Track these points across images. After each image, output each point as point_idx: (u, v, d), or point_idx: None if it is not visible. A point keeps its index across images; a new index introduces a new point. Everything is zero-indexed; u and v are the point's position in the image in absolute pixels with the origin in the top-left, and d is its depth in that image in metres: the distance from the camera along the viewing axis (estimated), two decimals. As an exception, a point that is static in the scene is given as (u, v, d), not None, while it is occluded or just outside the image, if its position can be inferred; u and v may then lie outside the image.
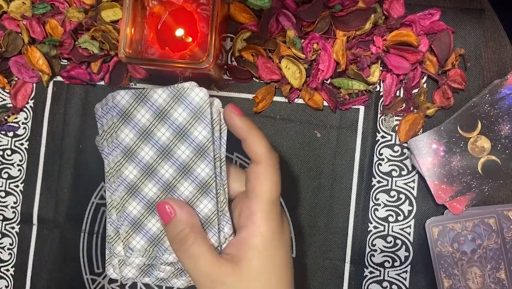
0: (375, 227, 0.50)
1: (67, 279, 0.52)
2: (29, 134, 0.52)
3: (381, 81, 0.50)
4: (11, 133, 0.52)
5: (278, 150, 0.50)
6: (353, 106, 0.50)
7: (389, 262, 0.49)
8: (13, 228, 0.52)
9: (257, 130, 0.37)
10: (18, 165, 0.52)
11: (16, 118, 0.52)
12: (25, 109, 0.52)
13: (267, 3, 0.48)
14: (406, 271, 0.49)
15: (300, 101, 0.50)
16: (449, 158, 0.48)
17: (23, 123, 0.52)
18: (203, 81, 0.51)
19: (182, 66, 0.44)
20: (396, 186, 0.50)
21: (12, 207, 0.52)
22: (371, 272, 0.50)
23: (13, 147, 0.52)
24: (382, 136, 0.50)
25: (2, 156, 0.52)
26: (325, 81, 0.50)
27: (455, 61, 0.49)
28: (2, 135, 0.53)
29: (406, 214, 0.49)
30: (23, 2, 0.50)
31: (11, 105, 0.52)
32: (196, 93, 0.37)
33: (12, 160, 0.52)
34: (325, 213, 0.50)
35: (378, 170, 0.50)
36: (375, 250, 0.50)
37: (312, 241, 0.50)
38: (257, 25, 0.49)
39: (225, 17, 0.50)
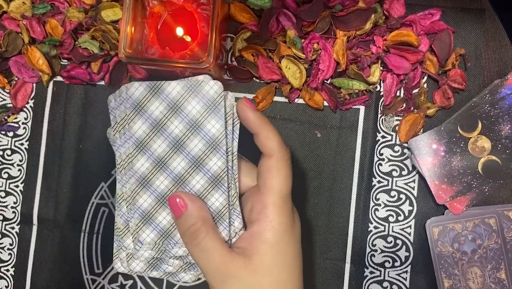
0: (375, 227, 0.50)
1: (67, 279, 0.51)
2: (29, 134, 0.52)
3: (382, 81, 0.50)
4: (11, 133, 0.52)
5: (278, 150, 0.50)
6: (354, 106, 0.50)
7: (389, 262, 0.49)
8: (13, 228, 0.52)
9: (269, 125, 0.38)
10: (18, 165, 0.52)
11: (16, 118, 0.52)
12: (25, 109, 0.52)
13: (268, 3, 0.48)
14: (406, 271, 0.49)
15: (301, 101, 0.50)
16: (449, 158, 0.48)
17: (23, 123, 0.52)
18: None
19: (182, 66, 0.44)
20: (396, 186, 0.50)
21: (12, 207, 0.52)
22: (371, 272, 0.50)
23: (13, 147, 0.52)
24: (383, 136, 0.50)
25: (2, 156, 0.52)
26: (325, 81, 0.50)
27: (456, 61, 0.49)
28: (2, 135, 0.52)
29: (407, 214, 0.49)
30: (23, 2, 0.50)
31: (11, 105, 0.52)
32: (211, 86, 0.37)
33: (12, 160, 0.52)
34: (325, 213, 0.50)
35: (379, 170, 0.50)
36: (376, 250, 0.50)
37: (312, 241, 0.50)
38: (258, 25, 0.49)
39: (225, 17, 0.50)
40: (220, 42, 0.48)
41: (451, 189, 0.48)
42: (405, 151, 0.50)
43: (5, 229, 0.52)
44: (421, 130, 0.49)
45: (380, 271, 0.49)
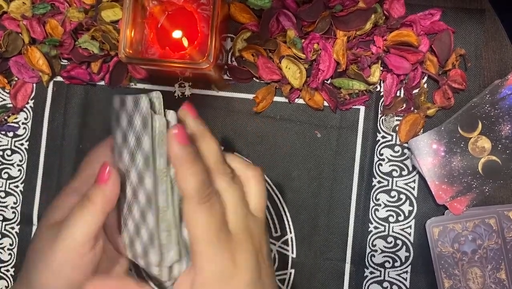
0: (375, 227, 0.50)
1: (67, 280, 0.51)
2: (29, 134, 0.52)
3: (382, 82, 0.50)
4: (11, 134, 0.52)
5: (278, 150, 0.50)
6: (354, 107, 0.50)
7: (389, 262, 0.49)
8: (13, 228, 0.52)
9: (208, 138, 0.35)
10: (18, 165, 0.52)
11: (16, 118, 0.52)
12: (25, 109, 0.52)
13: (268, 3, 0.48)
14: (406, 272, 0.49)
15: (301, 101, 0.50)
16: (449, 158, 0.48)
17: (23, 123, 0.52)
18: (203, 82, 0.51)
19: (182, 67, 0.44)
20: (396, 186, 0.50)
21: (12, 207, 0.52)
22: (371, 273, 0.50)
23: (13, 147, 0.52)
24: (383, 137, 0.50)
25: (2, 156, 0.52)
26: (325, 81, 0.50)
27: (456, 61, 0.48)
28: (2, 136, 0.52)
29: (407, 214, 0.49)
30: (23, 2, 0.50)
31: (11, 105, 0.52)
32: (143, 101, 0.34)
33: (12, 160, 0.52)
34: (325, 213, 0.50)
35: (379, 170, 0.50)
36: (376, 250, 0.50)
37: (312, 241, 0.50)
38: (258, 25, 0.49)
39: (226, 17, 0.50)
40: (220, 43, 0.48)
41: (451, 189, 0.48)
42: (405, 151, 0.50)
43: (5, 229, 0.52)
44: (421, 131, 0.49)
45: (380, 271, 0.49)
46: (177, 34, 0.47)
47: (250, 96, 0.51)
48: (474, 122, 0.48)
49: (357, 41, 0.48)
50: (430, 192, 0.48)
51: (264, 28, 0.48)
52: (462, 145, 0.48)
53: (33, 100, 0.52)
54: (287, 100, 0.50)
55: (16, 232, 0.52)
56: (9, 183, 0.52)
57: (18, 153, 0.52)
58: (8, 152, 0.52)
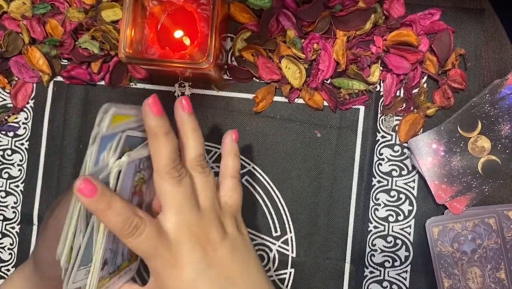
0: (375, 227, 0.50)
1: (68, 279, 0.52)
2: (29, 134, 0.52)
3: (381, 81, 0.50)
4: (11, 134, 0.52)
5: (278, 150, 0.51)
6: (353, 106, 0.50)
7: (389, 262, 0.49)
8: (13, 228, 0.52)
9: (194, 132, 0.36)
10: (18, 165, 0.52)
11: (16, 118, 0.52)
12: (25, 109, 0.52)
13: (267, 3, 0.48)
14: (406, 271, 0.49)
15: (300, 101, 0.50)
16: (449, 157, 0.48)
17: (23, 123, 0.52)
18: (203, 81, 0.51)
19: (182, 66, 0.44)
20: (396, 185, 0.50)
21: (12, 207, 0.52)
22: (371, 272, 0.50)
23: (13, 147, 0.52)
24: (382, 136, 0.50)
25: (3, 156, 0.52)
26: (325, 81, 0.50)
27: (455, 61, 0.49)
28: (2, 136, 0.53)
29: (406, 214, 0.49)
30: (23, 2, 0.50)
31: (11, 105, 0.52)
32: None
33: (12, 160, 0.52)
34: (325, 213, 0.50)
35: (378, 169, 0.50)
36: (375, 250, 0.50)
37: (312, 241, 0.50)
38: (257, 25, 0.49)
39: (225, 17, 0.50)
40: (220, 42, 0.48)
41: (451, 188, 0.48)
42: (405, 150, 0.50)
43: (5, 229, 0.52)
44: (421, 130, 0.49)
45: (380, 270, 0.49)
46: (178, 34, 0.47)
47: (250, 96, 0.51)
48: (474, 122, 0.48)
49: (356, 41, 0.48)
50: (430, 192, 0.48)
51: (264, 28, 0.48)
52: (461, 145, 0.48)
53: (33, 100, 0.52)
54: (287, 100, 0.50)
55: (16, 231, 0.52)
56: (10, 183, 0.52)
57: (19, 152, 0.52)
58: (9, 152, 0.52)
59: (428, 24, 0.48)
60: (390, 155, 0.50)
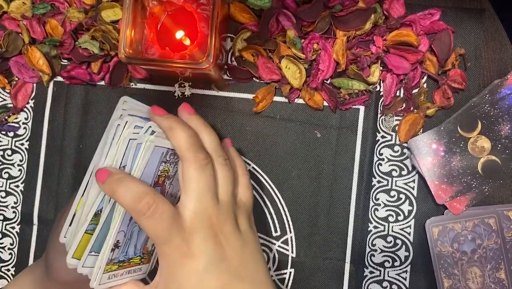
0: (375, 227, 0.50)
1: (68, 279, 0.52)
2: (29, 134, 0.52)
3: (381, 81, 0.50)
4: (11, 134, 0.52)
5: (278, 150, 0.51)
6: (353, 106, 0.50)
7: (389, 262, 0.49)
8: (13, 228, 0.52)
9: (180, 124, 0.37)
10: (18, 165, 0.52)
11: (16, 118, 0.52)
12: (25, 109, 0.52)
13: (267, 3, 0.48)
14: (406, 271, 0.49)
15: (300, 101, 0.50)
16: (449, 158, 0.48)
17: (23, 123, 0.52)
18: (203, 82, 0.51)
19: (182, 67, 0.44)
20: (396, 186, 0.50)
21: (12, 207, 0.52)
22: (371, 272, 0.50)
23: (13, 147, 0.52)
24: (382, 136, 0.50)
25: (3, 156, 0.52)
26: (325, 81, 0.50)
27: (455, 61, 0.49)
28: (2, 136, 0.53)
29: (406, 214, 0.49)
30: (23, 2, 0.50)
31: (11, 105, 0.52)
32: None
33: (12, 160, 0.52)
34: (325, 213, 0.50)
35: (378, 169, 0.50)
36: (375, 250, 0.50)
37: (312, 241, 0.50)
38: (257, 25, 0.49)
39: (225, 17, 0.50)
40: (220, 43, 0.48)
41: (450, 189, 0.48)
42: (405, 150, 0.50)
43: (5, 229, 0.52)
44: (421, 130, 0.49)
45: (380, 271, 0.50)
46: (178, 34, 0.47)
47: (250, 96, 0.51)
48: (474, 122, 0.48)
49: (356, 41, 0.48)
50: (430, 192, 0.48)
51: (264, 28, 0.48)
52: (461, 145, 0.48)
53: (33, 100, 0.52)
54: (287, 100, 0.50)
55: (16, 231, 0.52)
56: (10, 183, 0.52)
57: (19, 152, 0.52)
58: (9, 152, 0.52)
59: (428, 24, 0.48)
60: (390, 155, 0.50)
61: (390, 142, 0.50)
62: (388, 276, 0.49)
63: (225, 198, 0.36)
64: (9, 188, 0.52)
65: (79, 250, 0.36)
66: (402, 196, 0.50)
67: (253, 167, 0.51)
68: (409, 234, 0.49)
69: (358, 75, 0.48)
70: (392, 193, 0.50)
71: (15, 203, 0.52)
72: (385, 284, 0.49)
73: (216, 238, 0.35)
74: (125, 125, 0.37)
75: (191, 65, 0.44)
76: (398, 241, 0.49)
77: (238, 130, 0.51)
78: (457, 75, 0.48)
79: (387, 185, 0.50)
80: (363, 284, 0.50)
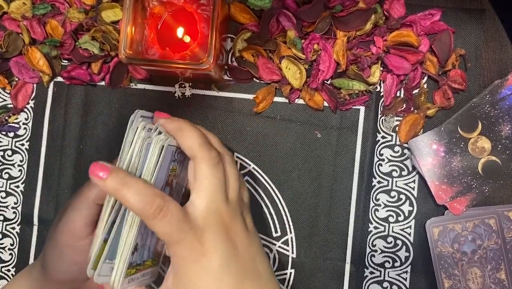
0: (375, 228, 0.50)
1: (68, 279, 0.52)
2: (29, 134, 0.52)
3: (382, 82, 0.50)
4: (11, 134, 0.52)
5: (278, 150, 0.51)
6: (354, 107, 0.50)
7: (389, 263, 0.49)
8: (13, 228, 0.52)
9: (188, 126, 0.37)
10: (18, 166, 0.52)
11: (16, 118, 0.52)
12: (25, 109, 0.52)
13: (268, 4, 0.48)
14: (406, 272, 0.49)
15: (301, 101, 0.50)
16: (449, 158, 0.48)
17: (23, 123, 0.52)
18: (203, 82, 0.51)
19: (182, 67, 0.44)
20: (396, 186, 0.50)
21: (12, 208, 0.52)
22: (371, 273, 0.50)
23: (13, 147, 0.52)
24: (383, 137, 0.50)
25: (3, 156, 0.52)
26: (325, 81, 0.50)
27: (456, 61, 0.49)
28: (2, 136, 0.53)
29: (407, 215, 0.49)
30: (23, 3, 0.50)
31: (11, 105, 0.52)
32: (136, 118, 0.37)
33: (12, 160, 0.52)
34: (325, 213, 0.50)
35: (379, 170, 0.50)
36: (376, 251, 0.50)
37: (312, 241, 0.50)
38: (258, 25, 0.49)
39: (226, 18, 0.50)
40: (220, 43, 0.48)
41: (451, 189, 0.48)
42: (405, 151, 0.50)
43: (5, 229, 0.52)
44: (421, 131, 0.49)
45: (380, 271, 0.50)
46: (178, 34, 0.47)
47: (250, 96, 0.51)
48: (474, 123, 0.48)
49: (357, 41, 0.48)
50: (430, 192, 0.48)
51: (264, 29, 0.48)
52: (462, 145, 0.48)
53: (33, 101, 0.52)
54: (287, 101, 0.50)
55: (16, 232, 0.52)
56: (10, 183, 0.52)
57: (19, 153, 0.52)
58: (9, 152, 0.52)
59: (429, 25, 0.48)
60: (390, 155, 0.50)
61: (391, 143, 0.50)
62: (389, 276, 0.49)
63: (233, 195, 0.36)
64: (9, 188, 0.52)
65: (97, 260, 0.35)
66: (402, 196, 0.50)
67: (253, 167, 0.51)
68: (409, 234, 0.49)
69: (359, 76, 0.48)
70: (393, 193, 0.50)
71: (15, 203, 0.52)
72: (385, 284, 0.49)
73: (228, 235, 0.35)
74: (136, 129, 0.36)
75: (192, 66, 0.44)
76: (399, 242, 0.49)
77: (239, 131, 0.51)
78: (457, 76, 0.48)
79: (388, 185, 0.50)
80: (364, 285, 0.50)
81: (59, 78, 0.52)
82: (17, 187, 0.52)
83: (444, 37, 0.48)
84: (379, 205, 0.50)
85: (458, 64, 0.49)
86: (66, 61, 0.52)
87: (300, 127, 0.50)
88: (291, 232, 0.50)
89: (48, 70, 0.50)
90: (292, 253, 0.50)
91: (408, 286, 0.49)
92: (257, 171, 0.51)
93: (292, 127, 0.50)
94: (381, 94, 0.50)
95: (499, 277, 0.48)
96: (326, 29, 0.48)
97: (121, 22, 0.46)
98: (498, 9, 0.50)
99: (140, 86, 0.52)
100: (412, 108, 0.49)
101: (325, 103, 0.50)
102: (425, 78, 0.49)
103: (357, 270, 0.50)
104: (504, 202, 0.49)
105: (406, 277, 0.49)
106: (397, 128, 0.50)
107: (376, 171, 0.50)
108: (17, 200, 0.52)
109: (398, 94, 0.50)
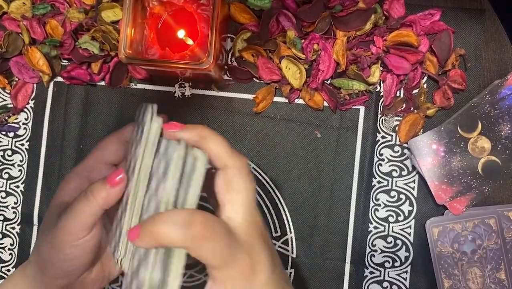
0: (375, 227, 0.50)
1: (68, 279, 0.52)
2: (29, 134, 0.52)
3: (381, 82, 0.50)
4: (11, 134, 0.52)
5: (278, 150, 0.51)
6: (353, 107, 0.50)
7: (389, 262, 0.49)
8: (13, 228, 0.52)
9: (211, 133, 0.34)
10: (18, 165, 0.52)
11: (16, 118, 0.52)
12: (25, 109, 0.52)
13: (268, 4, 0.48)
14: (406, 271, 0.49)
15: (301, 101, 0.50)
16: (449, 158, 0.48)
17: (23, 123, 0.52)
18: (203, 82, 0.51)
19: (182, 67, 0.44)
20: (396, 186, 0.50)
21: (12, 208, 0.52)
22: (371, 272, 0.50)
23: (13, 147, 0.52)
24: (383, 137, 0.50)
25: (3, 156, 0.52)
26: (325, 81, 0.50)
27: (456, 61, 0.49)
28: (2, 136, 0.53)
29: (407, 214, 0.49)
30: (23, 3, 0.50)
31: (11, 105, 0.52)
32: (147, 111, 0.35)
33: (12, 160, 0.52)
34: (325, 213, 0.50)
35: (379, 170, 0.50)
36: (375, 250, 0.50)
37: (312, 241, 0.50)
38: (258, 25, 0.49)
39: (226, 18, 0.50)
40: (220, 43, 0.48)
41: (451, 189, 0.48)
42: (405, 151, 0.50)
43: (5, 229, 0.52)
44: (421, 131, 0.49)
45: (380, 271, 0.50)
46: (178, 34, 0.47)
47: (250, 96, 0.51)
48: (474, 123, 0.48)
49: (357, 41, 0.48)
50: (430, 192, 0.48)
51: (264, 29, 0.48)
52: (461, 145, 0.48)
53: (33, 101, 0.52)
54: (287, 101, 0.50)
55: (16, 232, 0.52)
56: (10, 183, 0.52)
57: (19, 153, 0.52)
58: (9, 152, 0.52)
59: (428, 25, 0.48)
60: (390, 155, 0.50)
61: (390, 143, 0.50)
62: (388, 276, 0.49)
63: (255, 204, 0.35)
64: (9, 188, 0.52)
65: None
66: (402, 196, 0.50)
67: (253, 167, 0.51)
68: (409, 234, 0.49)
69: (358, 76, 0.48)
70: (392, 193, 0.50)
71: (15, 203, 0.52)
72: (385, 284, 0.49)
73: (267, 244, 0.33)
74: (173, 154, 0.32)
75: (192, 66, 0.44)
76: (398, 242, 0.49)
77: (238, 131, 0.51)
78: (457, 76, 0.48)
79: (387, 185, 0.50)
80: (363, 285, 0.50)
81: (59, 78, 0.52)
82: (17, 187, 0.52)
83: (444, 37, 0.48)
84: (379, 205, 0.50)
85: (458, 64, 0.49)
86: (66, 61, 0.52)
87: (300, 127, 0.50)
88: (291, 232, 0.50)
89: (48, 70, 0.50)
90: (292, 253, 0.50)
91: (408, 286, 0.49)
92: (257, 170, 0.51)
93: (292, 127, 0.50)
94: (381, 94, 0.50)
95: (499, 277, 0.48)
96: (326, 29, 0.48)
97: (121, 22, 0.46)
98: (498, 9, 0.50)
99: (140, 86, 0.52)
100: (412, 108, 0.49)
101: (325, 103, 0.50)
102: (425, 78, 0.49)
103: (357, 270, 0.50)
104: (504, 202, 0.49)
105: (406, 277, 0.49)
106: (397, 128, 0.50)
107: (376, 170, 0.50)
108: (17, 200, 0.52)
109: (398, 94, 0.50)
